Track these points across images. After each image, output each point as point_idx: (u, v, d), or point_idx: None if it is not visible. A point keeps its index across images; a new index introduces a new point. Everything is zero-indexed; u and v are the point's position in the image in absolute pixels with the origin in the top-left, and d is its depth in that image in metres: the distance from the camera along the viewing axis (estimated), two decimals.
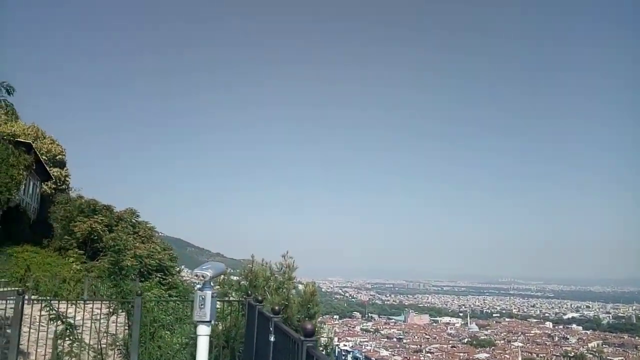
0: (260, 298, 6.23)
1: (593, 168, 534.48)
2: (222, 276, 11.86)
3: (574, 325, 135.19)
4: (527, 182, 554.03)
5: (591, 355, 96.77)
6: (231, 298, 10.75)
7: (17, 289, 17.23)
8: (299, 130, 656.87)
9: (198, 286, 4.86)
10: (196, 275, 4.78)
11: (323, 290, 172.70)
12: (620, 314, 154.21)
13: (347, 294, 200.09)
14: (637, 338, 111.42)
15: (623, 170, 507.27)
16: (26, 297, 7.24)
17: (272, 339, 4.62)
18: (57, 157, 30.41)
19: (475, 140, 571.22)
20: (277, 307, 4.56)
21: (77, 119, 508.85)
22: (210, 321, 4.78)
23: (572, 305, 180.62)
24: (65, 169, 31.97)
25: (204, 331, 4.80)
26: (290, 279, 12.35)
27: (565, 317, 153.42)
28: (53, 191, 30.31)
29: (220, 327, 9.83)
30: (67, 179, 32.01)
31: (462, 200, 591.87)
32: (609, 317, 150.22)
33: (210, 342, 9.33)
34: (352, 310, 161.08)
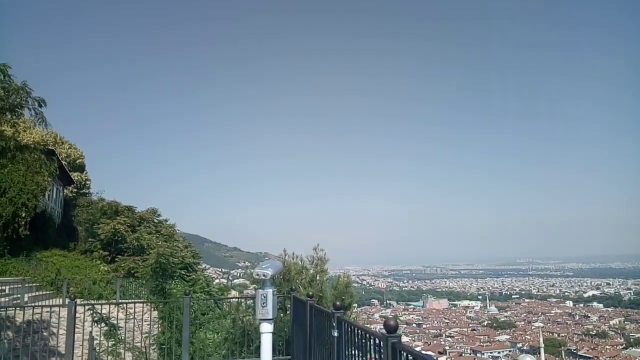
0: (311, 293, 6.28)
1: (609, 146, 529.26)
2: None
3: (594, 303, 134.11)
4: (542, 162, 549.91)
5: (613, 332, 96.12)
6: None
7: (50, 292, 17.66)
8: (303, 122, 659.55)
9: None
10: (257, 275, 4.83)
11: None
12: None
13: (364, 282, 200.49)
14: None
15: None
16: (77, 302, 7.38)
17: (335, 334, 4.66)
18: (76, 162, 30.80)
19: (487, 126, 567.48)
20: (338, 303, 4.59)
21: (88, 121, 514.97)
22: (272, 319, 4.84)
23: (592, 283, 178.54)
24: (85, 172, 32.38)
25: (267, 329, 4.85)
26: (323, 271, 12.45)
27: (585, 295, 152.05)
28: (75, 195, 30.72)
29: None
30: (87, 182, 32.44)
31: (477, 184, 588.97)
32: (630, 293, 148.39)
33: (248, 336, 9.46)
34: (370, 298, 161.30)
